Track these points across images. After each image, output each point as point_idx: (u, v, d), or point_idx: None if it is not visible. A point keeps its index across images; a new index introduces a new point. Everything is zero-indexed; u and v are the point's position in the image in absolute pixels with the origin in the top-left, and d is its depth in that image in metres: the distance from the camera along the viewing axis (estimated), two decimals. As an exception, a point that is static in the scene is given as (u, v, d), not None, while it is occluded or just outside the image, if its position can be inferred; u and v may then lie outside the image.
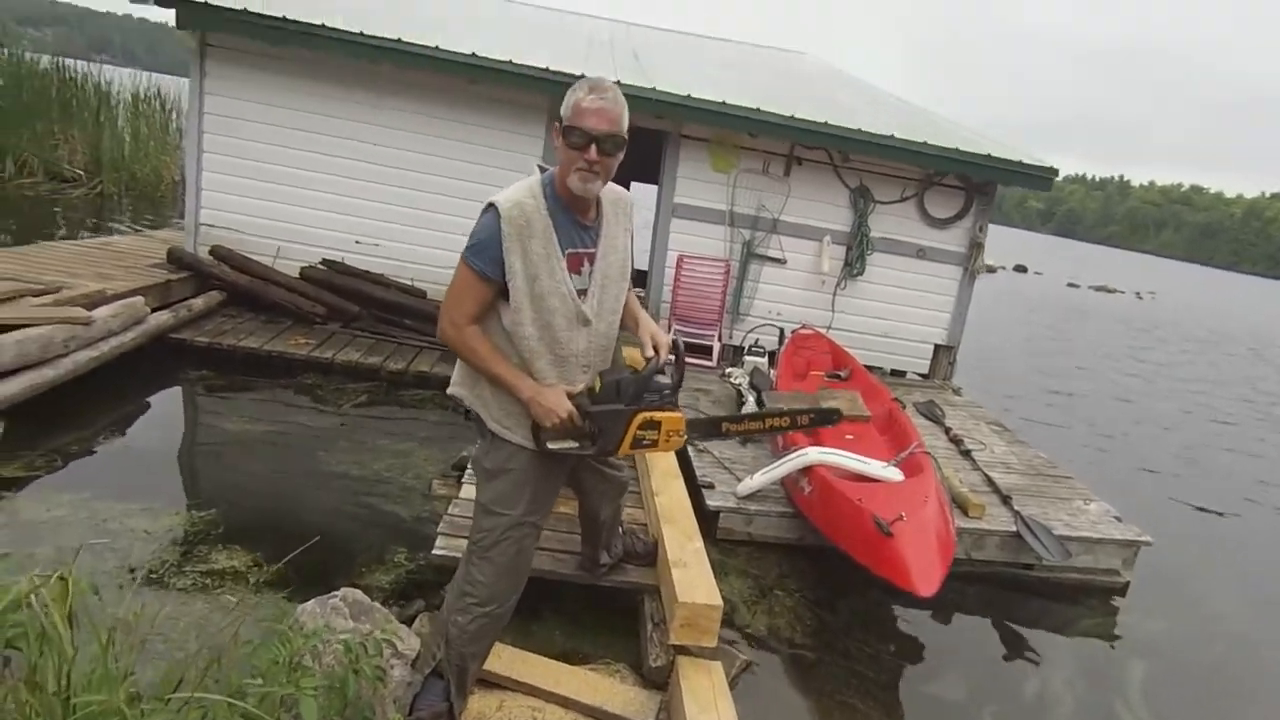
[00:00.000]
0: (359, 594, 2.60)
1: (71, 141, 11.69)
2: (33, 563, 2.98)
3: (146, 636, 1.89)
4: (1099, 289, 28.72)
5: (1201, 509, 6.24)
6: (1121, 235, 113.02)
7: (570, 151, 2.00)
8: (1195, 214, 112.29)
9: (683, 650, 2.72)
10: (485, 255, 2.00)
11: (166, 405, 4.82)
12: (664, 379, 2.24)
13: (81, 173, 11.44)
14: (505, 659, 2.65)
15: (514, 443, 2.18)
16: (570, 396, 2.12)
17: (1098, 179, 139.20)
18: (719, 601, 2.71)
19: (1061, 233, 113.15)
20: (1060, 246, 69.12)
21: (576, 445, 2.19)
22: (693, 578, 2.81)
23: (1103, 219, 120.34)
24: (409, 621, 2.92)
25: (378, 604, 2.65)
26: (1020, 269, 30.41)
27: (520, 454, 2.19)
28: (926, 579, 3.10)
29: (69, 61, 12.51)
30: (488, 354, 2.08)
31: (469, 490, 3.52)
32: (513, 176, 6.68)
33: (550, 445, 2.16)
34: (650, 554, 3.17)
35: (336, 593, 2.53)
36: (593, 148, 1.97)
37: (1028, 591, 4.22)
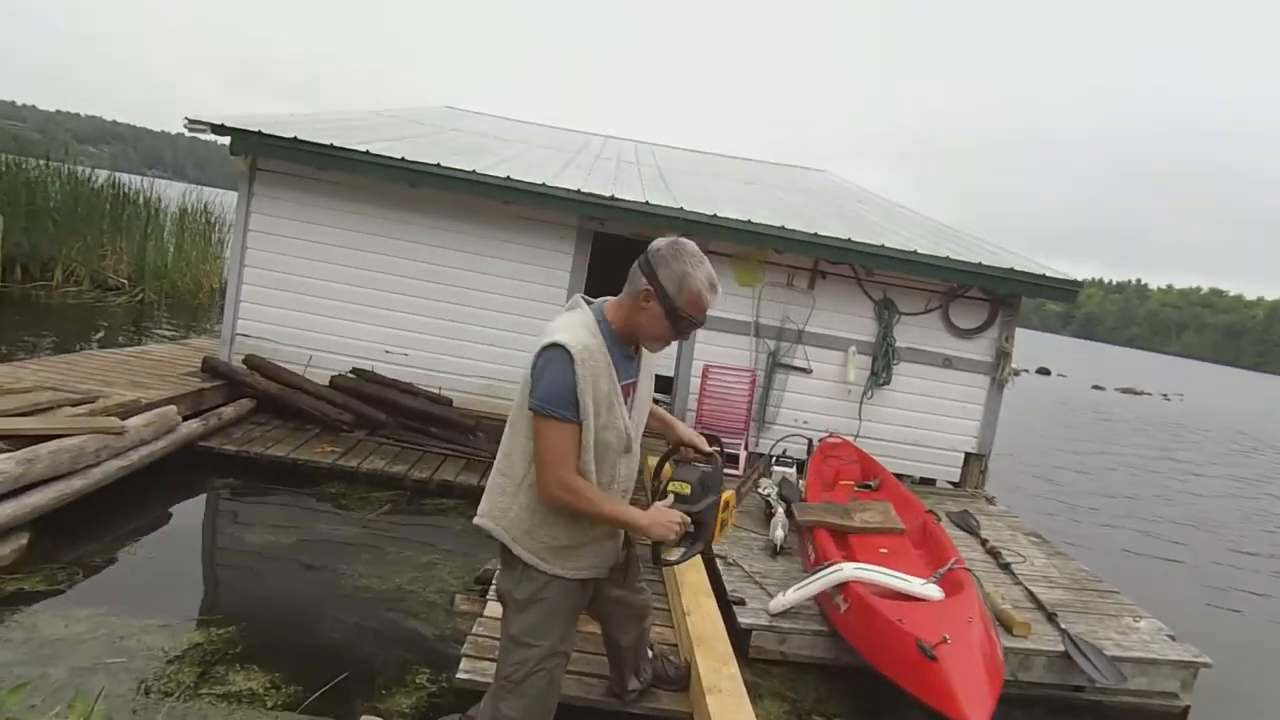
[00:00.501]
0: (380, 722, 2.49)
1: (118, 251, 12.23)
2: (47, 684, 2.91)
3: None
4: (1125, 391, 28.38)
5: (1253, 623, 5.91)
6: (1144, 337, 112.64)
7: (665, 324, 2.07)
8: (1217, 316, 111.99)
9: (719, 787, 2.56)
10: (567, 402, 1.98)
11: (190, 515, 4.79)
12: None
13: (125, 281, 11.90)
14: (531, 796, 2.50)
15: (549, 574, 2.15)
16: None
17: (1115, 282, 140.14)
18: (757, 734, 2.56)
19: (1082, 335, 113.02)
20: (1082, 349, 68.87)
21: (685, 549, 2.23)
22: (728, 707, 2.67)
23: (1123, 321, 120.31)
24: (430, 751, 2.79)
25: (399, 733, 2.53)
26: (1044, 371, 30.23)
27: (553, 584, 2.16)
28: (976, 708, 2.92)
29: (123, 177, 13.26)
30: (600, 499, 2.06)
31: (493, 608, 3.42)
32: (542, 290, 6.78)
33: (669, 558, 2.22)
34: (682, 678, 3.03)
35: (357, 722, 2.42)
36: (688, 330, 2.12)
37: (1080, 716, 3.97)
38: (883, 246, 6.28)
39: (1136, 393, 28.51)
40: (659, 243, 2.09)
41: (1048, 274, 6.48)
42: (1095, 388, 28.03)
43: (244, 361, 6.25)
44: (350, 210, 6.45)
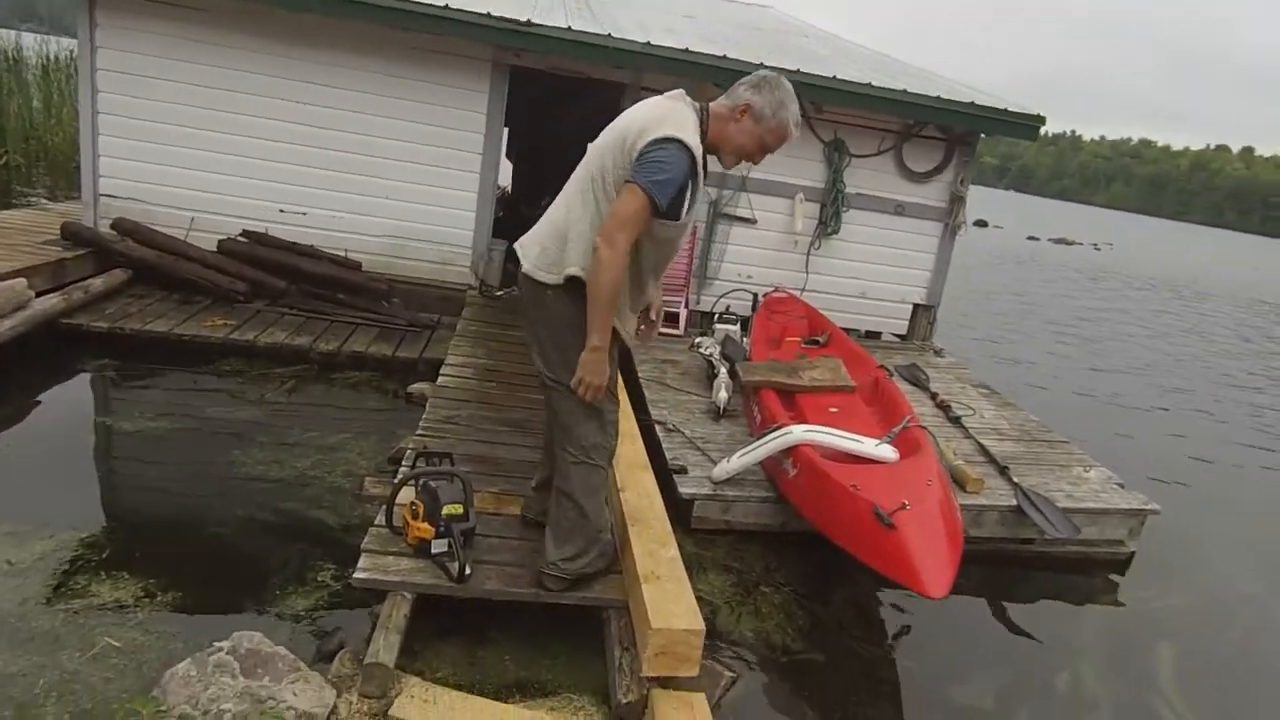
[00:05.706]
0: (255, 639, 2.09)
1: (-31, 110, 10.67)
2: None
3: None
4: (1058, 241, 28.84)
5: (1193, 464, 6.01)
6: (1074, 189, 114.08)
7: (754, 141, 2.25)
8: (1144, 167, 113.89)
9: (661, 680, 2.28)
10: (668, 192, 2.05)
11: (53, 405, 4.13)
12: None
13: (-16, 144, 10.45)
14: (444, 705, 2.18)
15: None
16: None
17: (1050, 134, 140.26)
18: (700, 625, 2.26)
19: (1016, 188, 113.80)
20: (1016, 201, 69.54)
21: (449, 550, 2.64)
22: (668, 596, 2.35)
23: (1055, 174, 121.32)
24: (329, 657, 2.43)
25: (280, 648, 2.14)
26: (981, 224, 30.31)
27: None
28: (937, 578, 2.68)
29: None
30: (614, 289, 2.13)
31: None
32: (456, 135, 5.93)
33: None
34: None
35: (222, 644, 2.02)
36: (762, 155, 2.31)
37: (1028, 567, 3.91)
38: (835, 78, 5.64)
39: (1069, 243, 28.98)
40: (763, 71, 2.30)
41: (1010, 108, 5.97)
42: (1030, 238, 28.36)
43: (112, 226, 5.42)
44: (223, 44, 5.45)
